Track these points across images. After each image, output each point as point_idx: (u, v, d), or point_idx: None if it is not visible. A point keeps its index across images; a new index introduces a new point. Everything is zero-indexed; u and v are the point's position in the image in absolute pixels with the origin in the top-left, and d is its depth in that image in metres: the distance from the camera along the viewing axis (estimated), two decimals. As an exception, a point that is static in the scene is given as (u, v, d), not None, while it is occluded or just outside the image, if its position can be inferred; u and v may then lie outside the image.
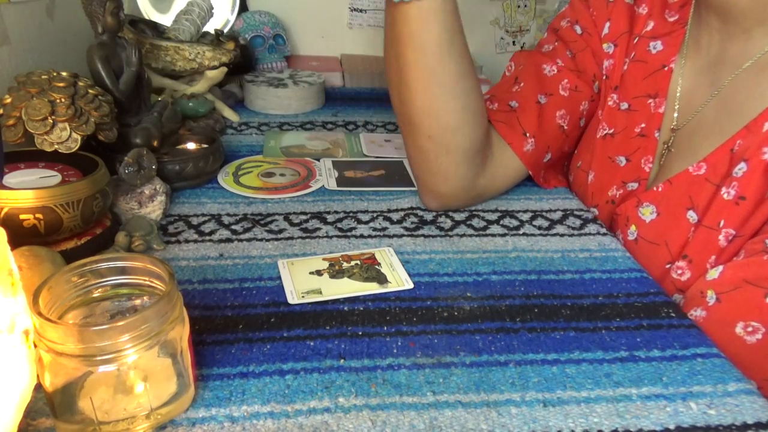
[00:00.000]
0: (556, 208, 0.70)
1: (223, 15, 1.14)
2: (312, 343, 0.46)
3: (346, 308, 0.51)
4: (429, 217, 0.67)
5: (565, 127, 0.70)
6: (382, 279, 0.55)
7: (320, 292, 0.52)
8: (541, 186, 0.74)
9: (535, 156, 0.69)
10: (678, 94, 0.66)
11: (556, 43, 0.73)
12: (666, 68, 0.67)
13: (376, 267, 0.56)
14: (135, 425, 0.37)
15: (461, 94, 0.60)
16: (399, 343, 0.47)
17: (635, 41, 0.70)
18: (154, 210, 0.62)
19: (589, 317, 0.51)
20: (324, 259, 0.57)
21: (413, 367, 0.45)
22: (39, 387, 0.35)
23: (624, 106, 0.70)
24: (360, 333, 0.48)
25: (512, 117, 0.68)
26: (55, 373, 0.35)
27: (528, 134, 0.67)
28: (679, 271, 0.59)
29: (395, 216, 0.66)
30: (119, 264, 0.39)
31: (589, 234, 0.65)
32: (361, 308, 0.51)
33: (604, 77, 0.72)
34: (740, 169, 0.56)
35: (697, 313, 0.53)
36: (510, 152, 0.67)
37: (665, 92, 0.67)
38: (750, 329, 0.50)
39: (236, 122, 0.94)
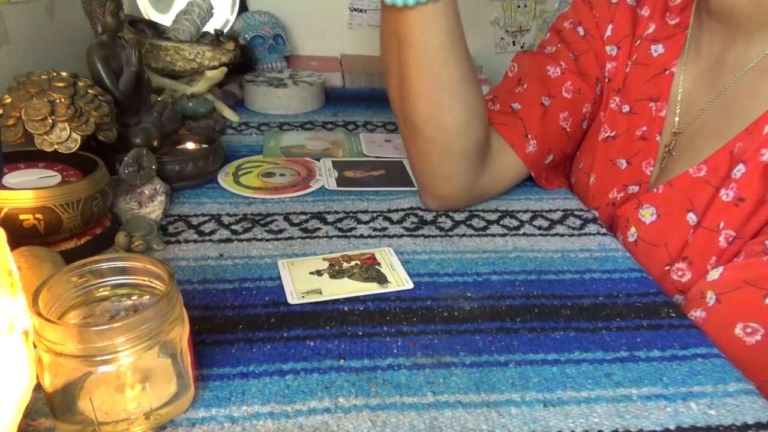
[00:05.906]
0: (556, 208, 0.70)
1: (223, 15, 1.14)
2: (312, 343, 0.46)
3: (346, 308, 0.51)
4: (429, 217, 0.67)
5: (568, 130, 0.70)
6: (382, 279, 0.55)
7: (320, 292, 0.52)
8: (544, 187, 0.74)
9: (537, 158, 0.69)
10: (679, 98, 0.66)
11: (559, 45, 0.73)
12: (667, 72, 0.67)
13: (376, 267, 0.56)
14: (135, 426, 0.37)
15: (464, 98, 0.59)
16: (399, 343, 0.47)
17: (637, 44, 0.70)
18: (154, 210, 0.62)
19: (589, 317, 0.51)
20: (324, 259, 0.57)
21: (413, 367, 0.45)
22: (39, 387, 0.35)
23: (626, 108, 0.70)
24: (360, 333, 0.48)
25: (514, 119, 0.68)
26: (54, 374, 0.35)
27: (530, 136, 0.67)
28: (680, 273, 0.59)
29: (395, 216, 0.66)
30: (119, 264, 0.39)
31: (589, 234, 0.65)
32: (361, 308, 0.51)
33: (606, 80, 0.72)
34: (739, 170, 0.56)
35: (696, 314, 0.53)
36: (511, 153, 0.67)
37: (666, 96, 0.67)
38: (749, 330, 0.50)
39: (236, 122, 0.93)
